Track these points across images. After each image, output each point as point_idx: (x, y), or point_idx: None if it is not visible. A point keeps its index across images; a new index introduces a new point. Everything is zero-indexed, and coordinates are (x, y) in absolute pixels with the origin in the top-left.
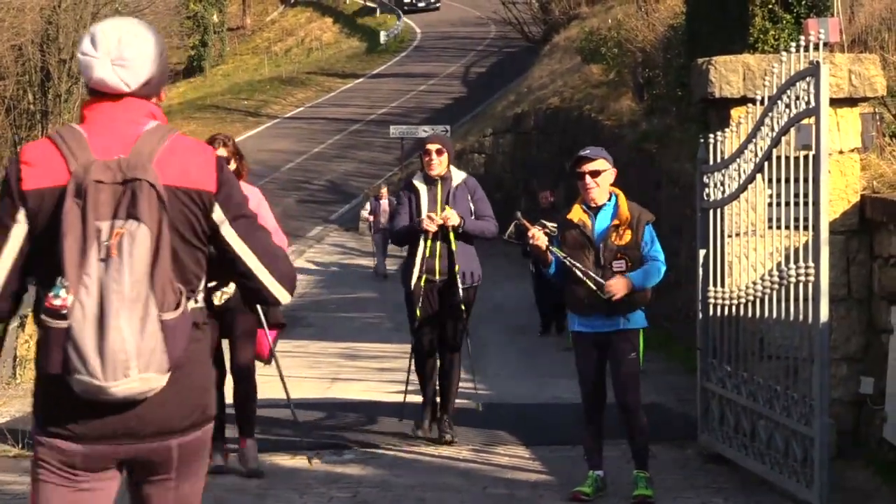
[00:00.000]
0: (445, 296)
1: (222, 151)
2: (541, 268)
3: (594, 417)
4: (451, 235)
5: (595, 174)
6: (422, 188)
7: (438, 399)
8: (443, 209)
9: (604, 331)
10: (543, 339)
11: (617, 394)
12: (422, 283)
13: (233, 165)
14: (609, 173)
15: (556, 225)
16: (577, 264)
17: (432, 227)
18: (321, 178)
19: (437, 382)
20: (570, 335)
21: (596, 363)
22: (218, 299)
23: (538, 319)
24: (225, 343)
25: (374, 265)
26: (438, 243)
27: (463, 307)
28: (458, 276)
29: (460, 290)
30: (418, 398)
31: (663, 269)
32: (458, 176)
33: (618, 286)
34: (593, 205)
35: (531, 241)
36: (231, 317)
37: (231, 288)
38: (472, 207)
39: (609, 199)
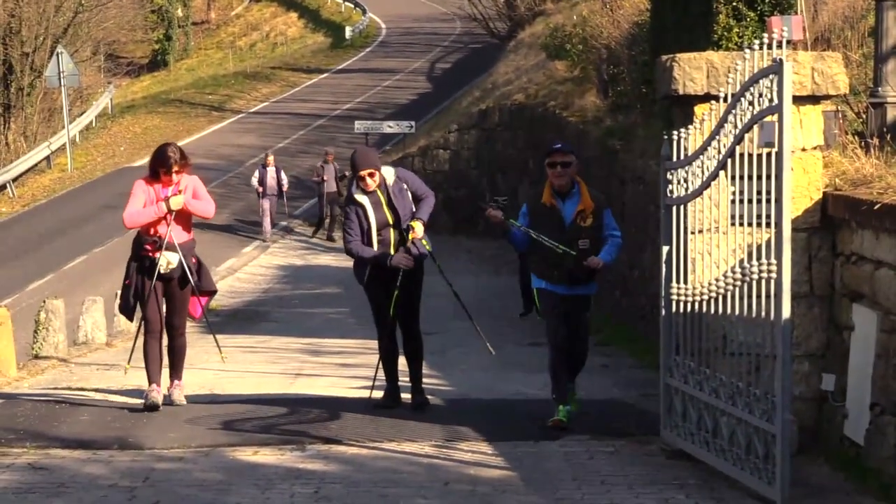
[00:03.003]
0: (401, 278)
1: (176, 168)
2: (512, 241)
3: (560, 363)
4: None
5: (565, 165)
6: (363, 199)
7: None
8: (390, 208)
9: (564, 294)
10: (508, 333)
11: (572, 341)
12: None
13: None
14: (574, 165)
15: (505, 198)
16: (536, 233)
17: (410, 265)
18: (286, 173)
19: (405, 360)
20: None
21: (559, 311)
22: (164, 268)
23: (504, 312)
24: None
25: (262, 231)
26: (392, 236)
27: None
28: (431, 252)
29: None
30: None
31: (620, 242)
32: (389, 174)
33: (597, 263)
34: (561, 190)
35: (489, 215)
36: (172, 284)
37: (175, 258)
38: (411, 194)
39: (573, 187)
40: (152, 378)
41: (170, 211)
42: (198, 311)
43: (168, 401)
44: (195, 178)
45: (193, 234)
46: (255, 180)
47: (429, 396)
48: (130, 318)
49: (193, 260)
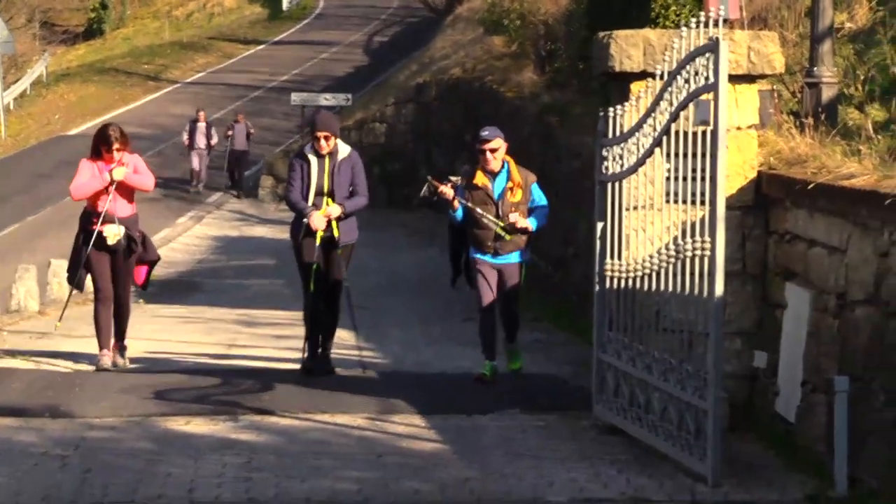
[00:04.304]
0: (327, 251)
1: (117, 145)
2: (451, 214)
3: (488, 321)
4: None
5: (493, 150)
6: (313, 160)
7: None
8: (330, 178)
9: (496, 262)
10: (443, 309)
11: (504, 301)
12: (309, 239)
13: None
14: (502, 148)
15: (459, 178)
16: (479, 210)
17: (321, 226)
18: (220, 144)
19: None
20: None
21: (491, 278)
22: (112, 239)
23: (439, 286)
24: None
25: (191, 183)
26: (324, 206)
27: (342, 257)
28: (338, 239)
29: (339, 248)
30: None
31: (548, 211)
32: (343, 150)
33: (522, 222)
34: (491, 171)
35: (442, 195)
36: (118, 255)
37: (121, 230)
38: (352, 179)
39: (503, 167)
40: (103, 344)
41: (112, 181)
42: (141, 278)
43: (115, 362)
44: (136, 156)
45: (136, 209)
46: (185, 135)
47: (361, 369)
48: (80, 289)
49: (138, 233)
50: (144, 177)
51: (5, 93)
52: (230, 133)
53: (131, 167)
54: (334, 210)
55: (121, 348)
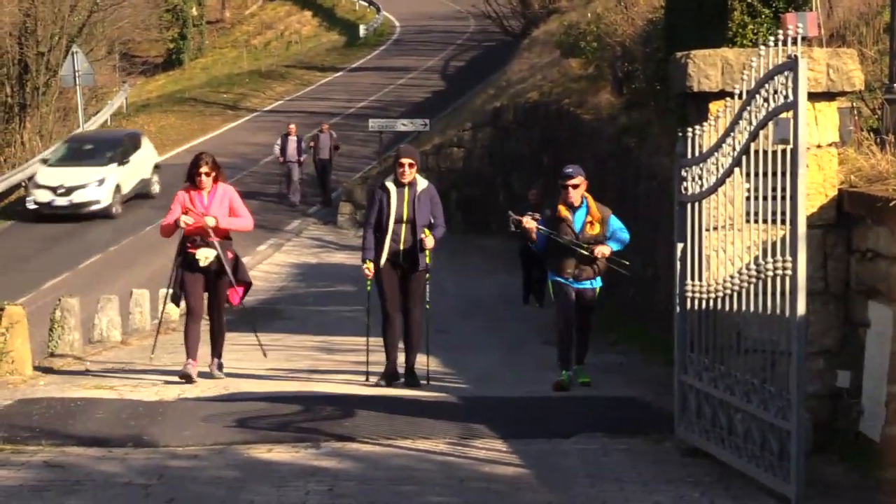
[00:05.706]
0: (406, 274)
1: (205, 169)
2: (529, 244)
3: (567, 336)
4: (423, 237)
5: (574, 187)
6: (392, 189)
7: (403, 359)
8: (410, 208)
9: (575, 287)
10: (522, 332)
11: (579, 319)
12: (387, 263)
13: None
14: (583, 185)
15: (539, 216)
16: (561, 236)
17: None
18: (300, 171)
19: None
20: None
21: (570, 296)
22: (203, 262)
23: (517, 310)
24: None
25: (288, 196)
26: (404, 233)
27: (422, 281)
28: (422, 260)
29: (420, 270)
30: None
31: (628, 235)
32: (422, 183)
33: (604, 250)
34: (572, 204)
35: (524, 227)
36: (212, 275)
37: (212, 253)
38: (432, 210)
39: (582, 202)
40: (190, 354)
41: (178, 226)
42: (236, 299)
43: (209, 376)
44: (231, 190)
45: (230, 233)
46: (276, 148)
47: (443, 394)
48: (178, 305)
49: (230, 255)
50: (242, 220)
51: (86, 124)
52: (312, 144)
53: (225, 202)
54: (430, 242)
55: (218, 364)
